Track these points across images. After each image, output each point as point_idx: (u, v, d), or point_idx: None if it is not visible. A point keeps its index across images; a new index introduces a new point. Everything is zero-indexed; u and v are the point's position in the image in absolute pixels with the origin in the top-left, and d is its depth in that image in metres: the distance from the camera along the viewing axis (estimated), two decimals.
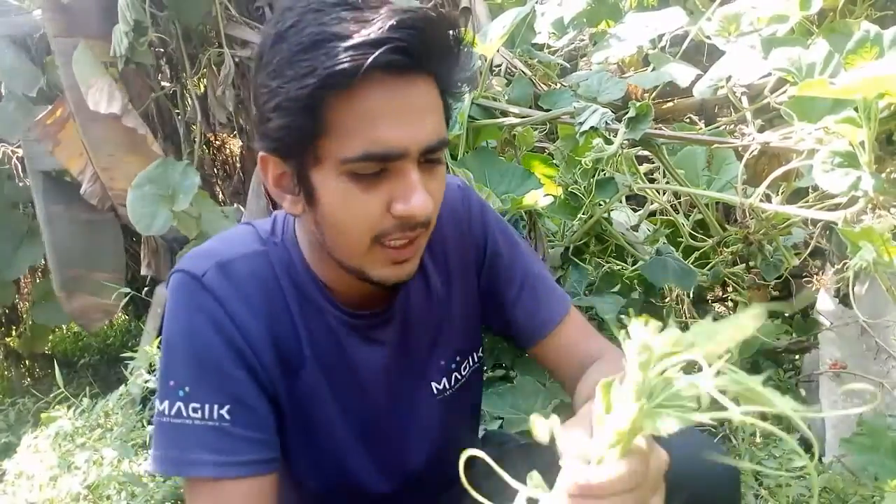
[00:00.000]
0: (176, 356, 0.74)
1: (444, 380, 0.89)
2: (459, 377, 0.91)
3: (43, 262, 3.04)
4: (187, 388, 0.72)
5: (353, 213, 0.68)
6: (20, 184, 2.77)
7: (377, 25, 0.61)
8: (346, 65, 0.61)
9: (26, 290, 3.54)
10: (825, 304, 1.70)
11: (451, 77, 0.70)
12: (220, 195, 2.99)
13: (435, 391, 0.88)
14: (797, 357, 2.01)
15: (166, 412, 0.72)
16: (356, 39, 0.61)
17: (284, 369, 0.78)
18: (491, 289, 0.91)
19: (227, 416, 0.72)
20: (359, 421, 0.84)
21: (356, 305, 0.81)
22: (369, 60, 0.60)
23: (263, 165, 0.73)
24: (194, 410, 0.71)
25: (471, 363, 0.93)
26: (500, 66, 1.93)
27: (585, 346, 0.89)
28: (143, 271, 2.43)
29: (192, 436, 0.71)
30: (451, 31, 0.67)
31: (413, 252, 0.72)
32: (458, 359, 0.90)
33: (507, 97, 1.74)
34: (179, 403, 0.71)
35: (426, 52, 0.64)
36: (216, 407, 0.71)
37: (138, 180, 1.98)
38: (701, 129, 1.79)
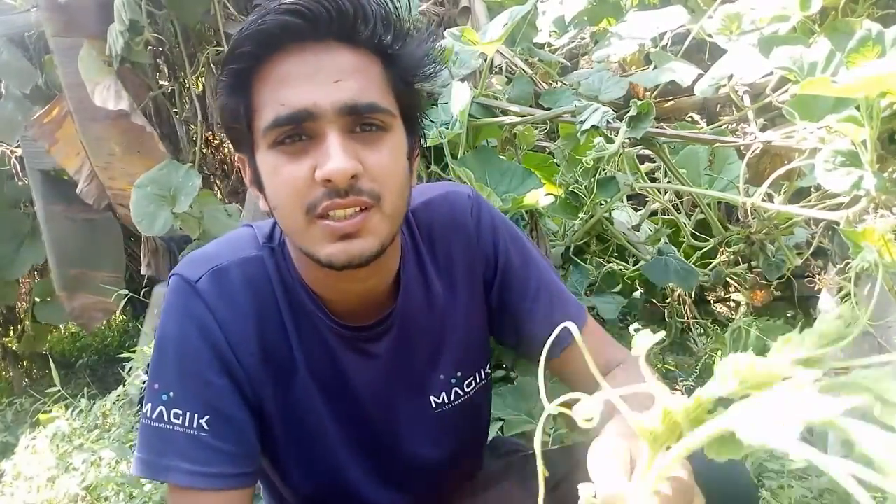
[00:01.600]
0: (164, 361, 0.73)
1: (444, 394, 0.85)
2: (461, 392, 0.86)
3: (43, 261, 3.03)
4: (171, 394, 0.71)
5: (283, 183, 0.67)
6: (20, 183, 2.76)
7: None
8: (253, 37, 0.64)
9: (25, 289, 3.53)
10: (827, 304, 1.69)
11: (385, 49, 0.68)
12: (219, 194, 2.99)
13: (433, 405, 0.85)
14: None
15: (149, 415, 0.72)
16: (267, 14, 0.63)
17: (275, 377, 0.77)
18: (504, 303, 0.86)
19: (205, 427, 0.71)
20: (353, 431, 0.82)
21: (349, 316, 0.78)
22: (267, 25, 0.63)
23: (241, 168, 0.75)
24: (176, 416, 0.71)
25: (477, 380, 0.88)
26: (500, 64, 1.92)
27: (605, 355, 0.86)
28: (144, 271, 2.43)
29: (171, 442, 0.70)
30: (384, 3, 0.67)
31: (359, 227, 0.66)
32: (459, 374, 0.86)
33: (507, 96, 1.73)
34: (162, 407, 0.71)
35: (337, 17, 0.64)
36: (196, 416, 0.71)
37: (142, 180, 1.98)
38: (703, 128, 1.78)
